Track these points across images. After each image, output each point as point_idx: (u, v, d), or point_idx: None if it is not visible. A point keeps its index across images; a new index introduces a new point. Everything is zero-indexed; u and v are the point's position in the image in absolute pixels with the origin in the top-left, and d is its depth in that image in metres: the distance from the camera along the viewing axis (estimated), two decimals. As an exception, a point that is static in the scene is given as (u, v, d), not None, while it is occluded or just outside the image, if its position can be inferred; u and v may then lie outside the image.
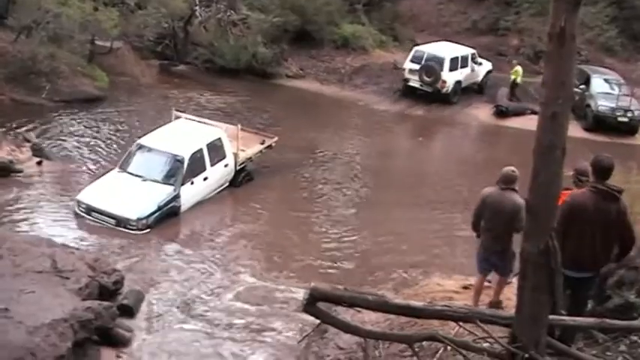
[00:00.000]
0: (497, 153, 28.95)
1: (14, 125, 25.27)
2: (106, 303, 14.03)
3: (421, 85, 34.08)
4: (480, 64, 35.98)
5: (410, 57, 34.81)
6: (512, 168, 11.74)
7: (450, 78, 33.95)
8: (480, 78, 36.07)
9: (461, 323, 9.17)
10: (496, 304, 12.01)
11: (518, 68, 34.34)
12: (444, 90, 33.86)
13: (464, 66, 34.79)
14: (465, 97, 34.84)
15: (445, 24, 43.61)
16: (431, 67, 33.73)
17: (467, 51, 35.45)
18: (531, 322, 8.44)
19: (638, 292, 10.44)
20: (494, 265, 12.16)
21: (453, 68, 34.11)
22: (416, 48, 35.32)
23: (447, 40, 37.30)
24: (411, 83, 34.48)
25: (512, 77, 34.36)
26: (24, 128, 24.98)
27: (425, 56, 34.21)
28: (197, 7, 37.56)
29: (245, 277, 17.47)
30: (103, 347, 13.68)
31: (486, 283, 12.61)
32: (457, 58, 34.49)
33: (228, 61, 35.77)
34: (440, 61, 33.87)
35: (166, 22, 36.59)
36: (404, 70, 34.77)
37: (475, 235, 12.33)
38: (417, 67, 34.09)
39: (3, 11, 30.99)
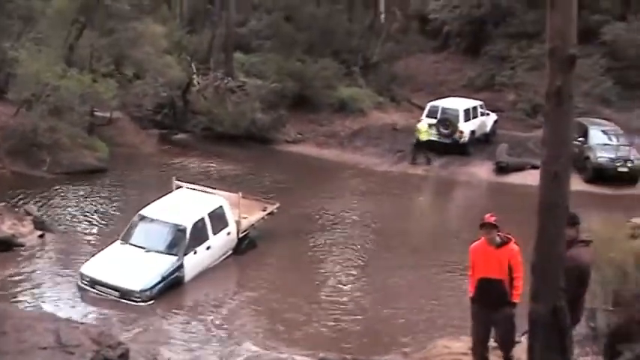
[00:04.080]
0: (501, 211, 28.75)
1: (16, 198, 25.31)
2: (112, 377, 13.85)
3: (439, 138, 34.90)
4: (488, 114, 37.14)
5: (425, 112, 35.85)
6: None
7: (466, 128, 35.04)
8: (488, 128, 37.20)
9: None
10: None
11: (420, 126, 34.48)
12: (462, 140, 34.82)
13: (475, 116, 36.01)
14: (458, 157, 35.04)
15: (441, 82, 44.15)
16: (448, 120, 34.79)
17: (475, 103, 36.75)
18: (543, 383, 8.35)
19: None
20: None
21: (467, 119, 35.26)
22: (430, 103, 36.39)
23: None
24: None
25: (417, 135, 34.35)
26: (25, 201, 24.94)
27: (440, 110, 35.34)
28: (194, 76, 37.94)
29: (248, 345, 17.24)
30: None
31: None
32: (469, 109, 35.75)
33: (227, 127, 36.01)
34: (455, 113, 35.01)
35: (164, 91, 36.88)
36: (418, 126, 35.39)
37: None
38: (433, 121, 35.08)
39: None
